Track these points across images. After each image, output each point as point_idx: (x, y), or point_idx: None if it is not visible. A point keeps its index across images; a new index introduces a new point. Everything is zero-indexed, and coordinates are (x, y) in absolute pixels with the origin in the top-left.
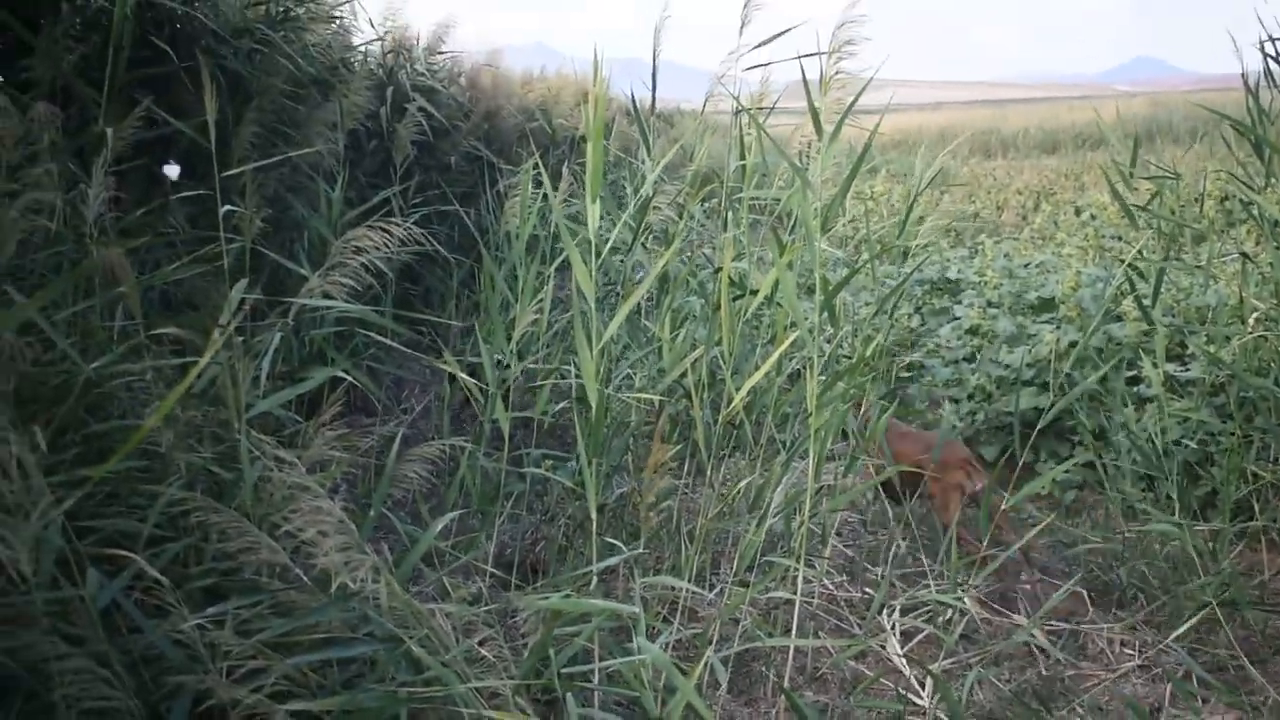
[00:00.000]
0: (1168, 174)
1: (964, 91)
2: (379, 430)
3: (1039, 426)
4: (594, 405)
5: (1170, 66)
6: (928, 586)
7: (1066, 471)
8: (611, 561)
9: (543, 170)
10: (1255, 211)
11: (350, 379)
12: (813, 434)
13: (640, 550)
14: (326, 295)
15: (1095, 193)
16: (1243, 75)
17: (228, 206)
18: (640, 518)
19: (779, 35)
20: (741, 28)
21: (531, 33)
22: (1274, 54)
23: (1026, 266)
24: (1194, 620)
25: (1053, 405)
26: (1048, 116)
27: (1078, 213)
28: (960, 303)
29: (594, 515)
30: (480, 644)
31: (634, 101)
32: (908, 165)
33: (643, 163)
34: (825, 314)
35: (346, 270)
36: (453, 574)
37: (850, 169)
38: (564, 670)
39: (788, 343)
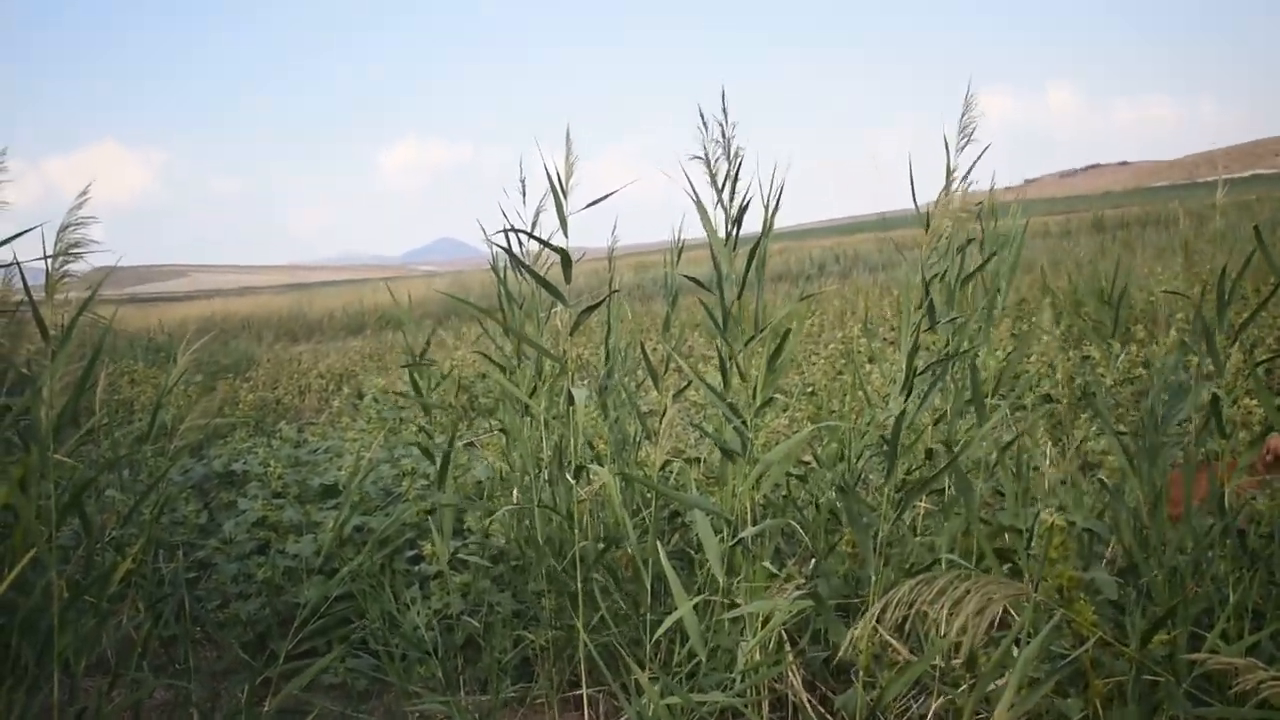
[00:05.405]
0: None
1: (272, 275)
2: None
3: (320, 617)
4: None
5: (470, 247)
6: None
7: (357, 658)
8: None
9: None
10: None
11: None
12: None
13: None
14: None
15: (397, 374)
16: (491, 263)
17: None
18: None
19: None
20: None
21: None
22: (505, 245)
23: (315, 452)
24: None
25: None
26: (353, 299)
27: (360, 396)
28: (245, 495)
29: None
30: None
31: None
32: (207, 353)
33: None
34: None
35: None
36: None
37: (84, 372)
38: None
39: (28, 557)
